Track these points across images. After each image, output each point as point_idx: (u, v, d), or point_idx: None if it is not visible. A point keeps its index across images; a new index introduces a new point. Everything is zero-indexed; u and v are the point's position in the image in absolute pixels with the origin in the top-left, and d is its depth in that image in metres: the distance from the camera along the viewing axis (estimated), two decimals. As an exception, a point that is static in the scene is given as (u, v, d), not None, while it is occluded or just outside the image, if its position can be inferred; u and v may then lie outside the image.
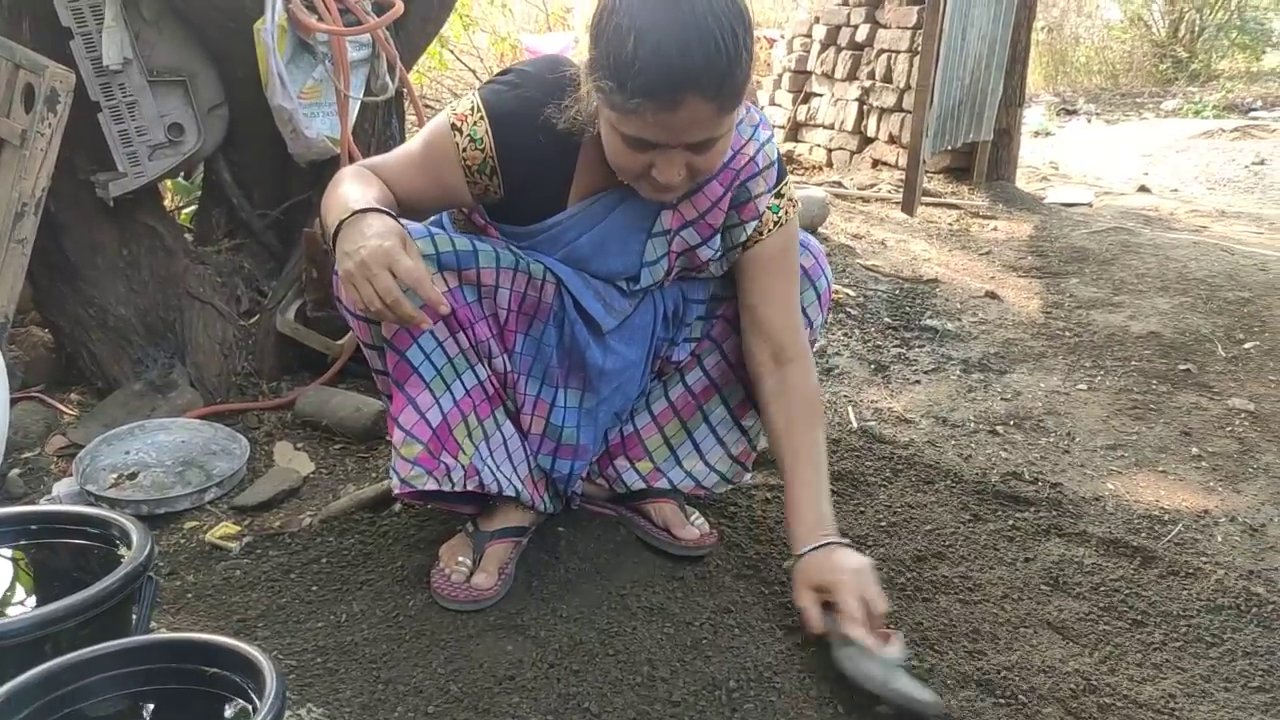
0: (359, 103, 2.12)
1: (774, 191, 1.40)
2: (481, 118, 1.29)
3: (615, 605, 1.42)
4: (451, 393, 1.37)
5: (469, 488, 1.39)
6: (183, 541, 1.62)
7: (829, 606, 1.29)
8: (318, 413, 1.96)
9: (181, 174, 2.56)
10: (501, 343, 1.41)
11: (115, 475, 1.78)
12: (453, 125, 1.30)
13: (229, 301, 2.17)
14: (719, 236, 1.40)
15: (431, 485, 1.36)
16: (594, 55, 1.17)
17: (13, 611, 1.17)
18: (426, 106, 5.79)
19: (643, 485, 1.59)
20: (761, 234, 1.40)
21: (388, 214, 1.21)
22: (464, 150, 1.30)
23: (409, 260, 1.15)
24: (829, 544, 1.33)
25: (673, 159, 1.19)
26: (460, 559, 1.45)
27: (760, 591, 1.49)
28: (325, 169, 2.16)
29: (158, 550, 1.57)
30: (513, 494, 1.44)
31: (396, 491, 1.40)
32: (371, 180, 1.31)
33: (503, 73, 1.37)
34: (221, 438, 1.88)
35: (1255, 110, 9.10)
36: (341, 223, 1.19)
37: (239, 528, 1.63)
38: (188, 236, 2.35)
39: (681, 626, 1.38)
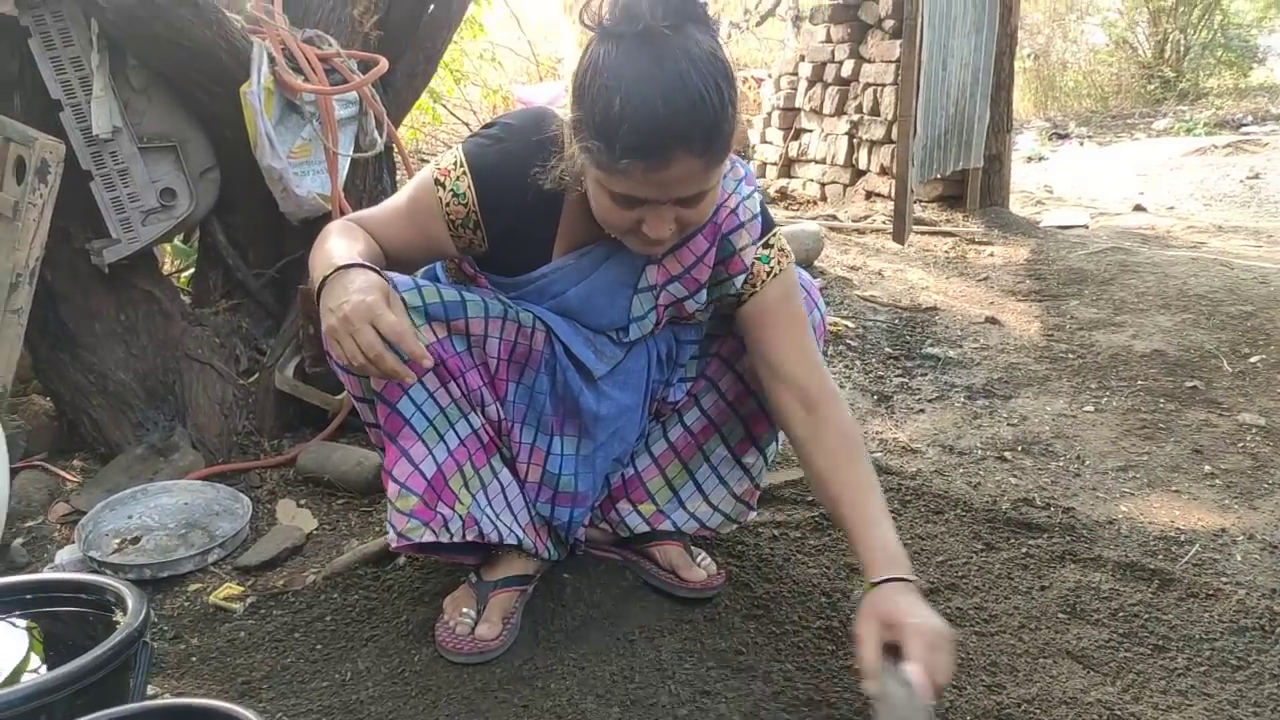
0: (349, 160, 2.14)
1: (761, 243, 1.37)
2: (464, 173, 1.29)
3: (624, 652, 1.39)
4: (445, 443, 1.36)
5: (468, 538, 1.38)
6: (187, 604, 1.60)
7: (889, 651, 1.15)
8: (319, 468, 1.95)
9: (178, 238, 2.58)
10: (493, 391, 1.40)
11: (118, 540, 1.76)
12: (436, 180, 1.30)
13: (228, 361, 2.17)
14: (705, 291, 1.38)
15: (429, 537, 1.35)
16: (579, 115, 1.16)
17: (8, 683, 1.15)
18: (421, 160, 5.85)
19: (646, 528, 1.56)
20: (756, 287, 1.37)
21: (371, 269, 1.20)
22: (447, 205, 1.30)
23: (391, 315, 1.14)
24: (910, 583, 1.19)
25: (663, 214, 1.19)
26: (464, 610, 1.42)
27: (771, 632, 1.46)
28: (318, 226, 2.15)
29: (161, 614, 1.55)
30: (514, 542, 1.43)
31: (394, 546, 1.39)
32: (357, 234, 1.31)
33: (488, 125, 1.37)
34: (224, 498, 1.87)
35: (1246, 125, 9.16)
36: (325, 279, 1.19)
37: (242, 588, 1.61)
38: (185, 299, 2.36)
39: (692, 672, 1.35)
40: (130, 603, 1.10)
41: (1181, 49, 11.86)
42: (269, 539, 1.74)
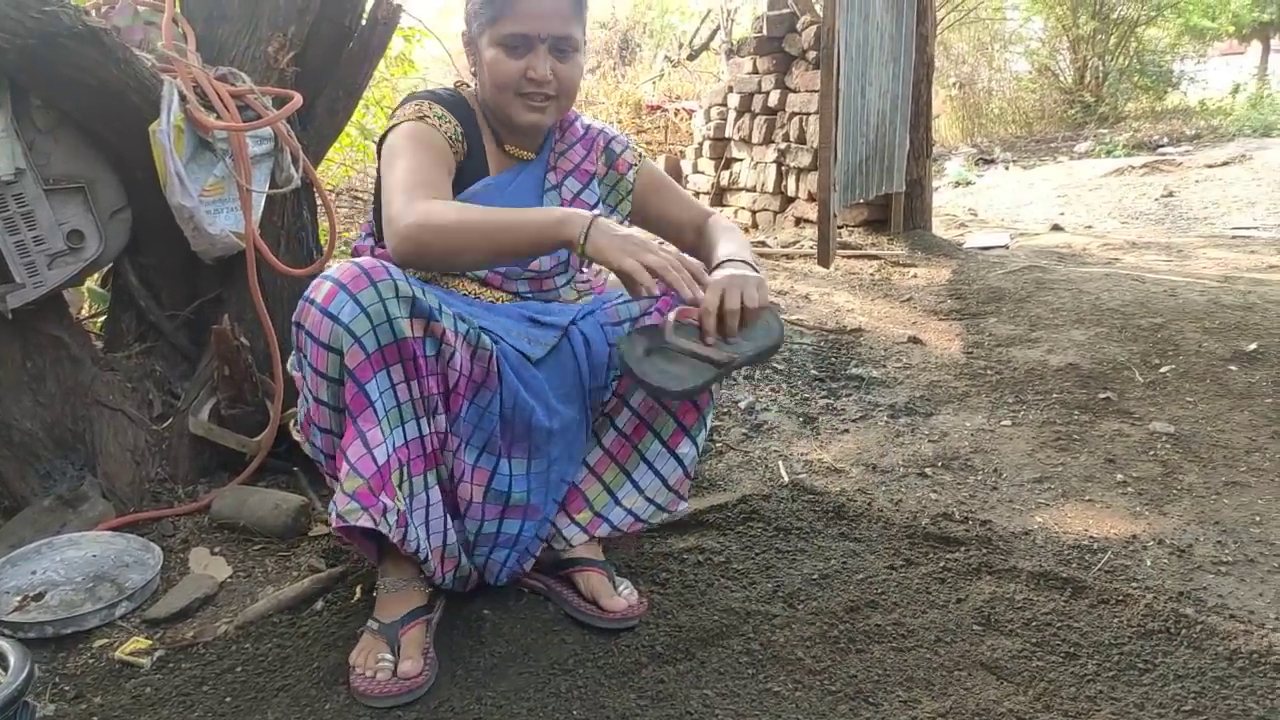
0: (264, 196, 2.11)
1: (628, 147, 1.75)
2: (430, 104, 1.54)
3: (543, 688, 1.38)
4: (394, 437, 1.36)
5: (394, 538, 1.36)
6: (91, 661, 1.54)
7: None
8: (235, 514, 1.90)
9: (91, 280, 2.52)
10: (446, 404, 1.41)
11: (20, 598, 1.69)
12: (419, 119, 1.51)
13: (140, 407, 2.12)
14: (598, 185, 1.70)
15: (365, 522, 1.32)
16: (473, 8, 1.52)
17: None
18: (355, 197, 5.80)
19: (584, 536, 1.61)
20: (639, 172, 1.74)
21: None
22: (441, 127, 1.52)
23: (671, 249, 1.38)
24: (739, 262, 1.49)
25: (541, 55, 1.50)
26: (380, 656, 1.40)
27: (694, 658, 1.46)
28: (234, 265, 2.14)
29: (63, 673, 1.49)
30: (423, 559, 1.42)
31: (331, 526, 1.37)
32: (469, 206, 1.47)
33: (404, 102, 1.60)
34: (134, 548, 1.81)
35: (1163, 146, 9.52)
36: (592, 223, 1.33)
37: (150, 642, 1.56)
38: (97, 343, 2.30)
39: (614, 706, 1.34)
40: (12, 661, 1.06)
41: (1101, 75, 12.32)
42: (180, 589, 1.69)
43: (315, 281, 1.34)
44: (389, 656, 1.40)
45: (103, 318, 2.67)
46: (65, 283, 2.02)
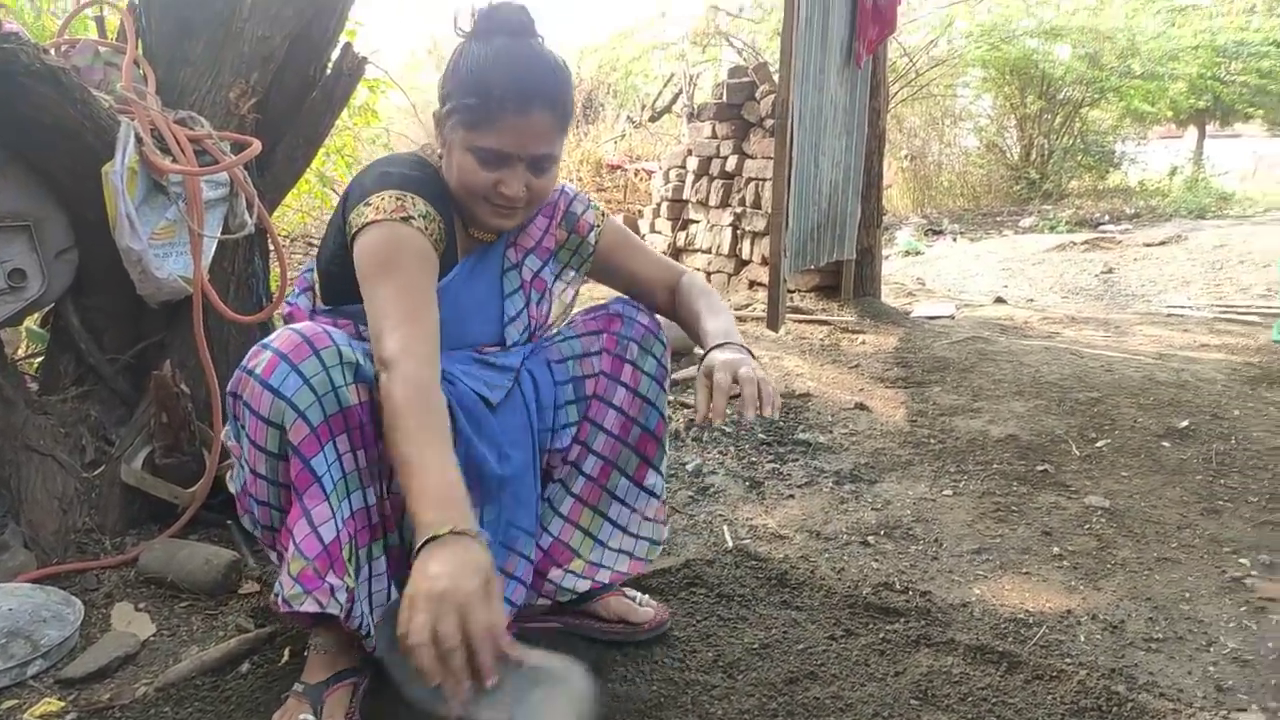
0: (215, 241, 2.09)
1: (590, 207, 1.67)
2: (409, 197, 1.39)
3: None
4: (341, 510, 1.33)
5: (342, 617, 1.31)
6: (-1, 722, 1.47)
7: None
8: (163, 568, 1.84)
9: (31, 320, 2.46)
10: None
11: (-72, 651, 1.62)
12: (402, 219, 1.37)
13: (72, 453, 2.06)
14: (554, 259, 1.63)
15: (310, 607, 1.28)
16: (450, 90, 1.39)
17: None
18: (309, 244, 5.76)
19: (586, 584, 1.63)
20: (600, 233, 1.66)
21: (481, 541, 1.12)
22: (426, 230, 1.39)
23: (484, 615, 1.04)
24: (733, 345, 1.45)
25: (518, 173, 1.39)
26: (301, 718, 1.35)
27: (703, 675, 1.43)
28: (179, 310, 2.11)
29: (-33, 734, 1.43)
30: (365, 634, 1.38)
31: (274, 607, 1.33)
32: (437, 420, 1.24)
33: (363, 173, 1.47)
34: (54, 602, 1.75)
35: (1103, 224, 9.87)
36: (435, 537, 1.09)
37: (63, 703, 1.50)
38: (32, 385, 2.24)
39: None
40: (-88, 722, 1.00)
41: (1046, 153, 12.78)
42: (99, 647, 1.63)
43: (253, 350, 1.31)
44: (311, 718, 1.36)
45: (40, 359, 2.60)
46: (3, 322, 1.98)
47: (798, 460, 2.63)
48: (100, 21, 2.44)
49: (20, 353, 2.77)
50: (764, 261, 4.73)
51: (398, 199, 1.37)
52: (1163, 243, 7.45)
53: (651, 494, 1.67)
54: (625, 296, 1.69)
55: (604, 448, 1.62)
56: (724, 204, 5.28)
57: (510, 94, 1.34)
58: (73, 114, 1.85)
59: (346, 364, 1.30)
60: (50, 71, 1.80)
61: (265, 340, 1.32)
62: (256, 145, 2.08)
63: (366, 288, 1.33)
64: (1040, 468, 2.58)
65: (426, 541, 1.09)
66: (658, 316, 1.69)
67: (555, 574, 1.62)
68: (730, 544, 2.11)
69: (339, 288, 1.46)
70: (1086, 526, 2.25)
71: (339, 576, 1.31)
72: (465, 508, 1.15)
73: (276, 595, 1.32)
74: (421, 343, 1.28)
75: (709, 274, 5.40)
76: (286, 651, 1.60)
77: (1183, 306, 5.20)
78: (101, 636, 1.66)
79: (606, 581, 1.65)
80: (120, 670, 1.59)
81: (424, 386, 1.25)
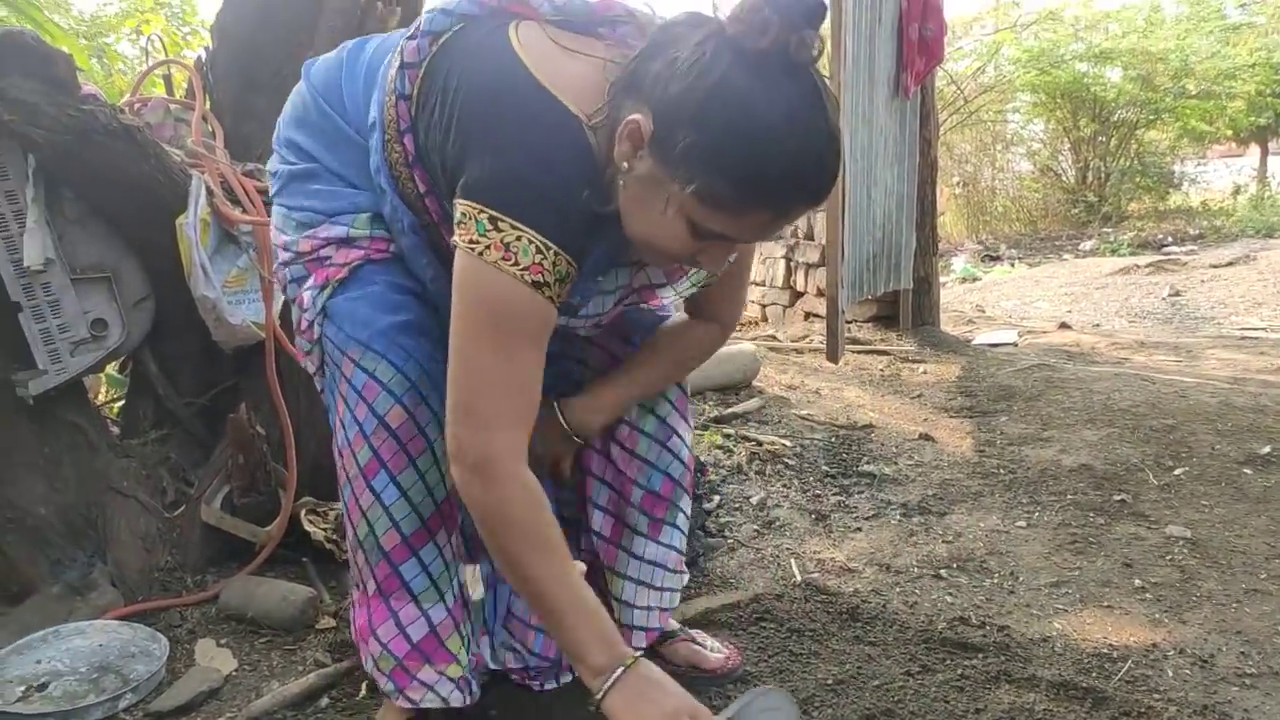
0: (286, 288, 2.15)
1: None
2: (555, 257, 1.08)
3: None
4: (444, 601, 1.34)
5: (453, 704, 1.35)
6: (91, 757, 1.51)
7: None
8: (243, 604, 1.88)
9: (113, 366, 2.55)
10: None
11: (24, 687, 1.67)
12: (534, 285, 1.07)
13: (153, 494, 2.12)
14: (685, 280, 1.37)
15: (404, 704, 1.34)
16: (694, 141, 1.00)
17: None
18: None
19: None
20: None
21: (642, 658, 1.15)
22: (557, 292, 1.10)
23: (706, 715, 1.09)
24: (635, 665, 1.14)
25: (726, 250, 1.14)
26: None
27: None
28: (252, 354, 2.17)
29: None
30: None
31: (396, 702, 1.37)
32: (567, 552, 1.15)
33: (507, 141, 1.09)
34: (141, 638, 1.79)
35: (1167, 246, 9.66)
36: (619, 676, 1.10)
37: (152, 737, 1.53)
38: (114, 430, 2.32)
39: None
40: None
41: (1103, 175, 12.59)
42: (185, 682, 1.67)
43: (355, 436, 1.28)
44: None
45: (120, 403, 2.69)
46: (86, 370, 2.05)
47: (863, 492, 2.60)
48: (168, 79, 2.55)
49: (100, 398, 2.87)
50: (819, 292, 4.71)
51: (539, 253, 1.06)
52: (1231, 263, 7.26)
53: (671, 548, 1.62)
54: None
55: (609, 501, 1.58)
56: (776, 236, 5.28)
57: (782, 200, 1.04)
58: (147, 170, 1.93)
59: (441, 458, 1.27)
60: (126, 130, 1.89)
61: (360, 422, 1.27)
62: (326, 192, 2.14)
63: (468, 335, 1.10)
64: (1117, 498, 2.51)
65: (611, 683, 1.09)
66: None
67: None
68: (799, 578, 2.09)
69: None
70: (1168, 557, 2.18)
71: (441, 665, 1.34)
72: (616, 632, 1.14)
73: (385, 684, 1.36)
74: (525, 438, 1.12)
75: (764, 306, 5.40)
76: (364, 685, 1.62)
77: (1256, 328, 5.05)
78: (186, 671, 1.70)
79: (643, 645, 1.61)
80: (205, 704, 1.62)
81: (538, 497, 1.13)
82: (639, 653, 1.17)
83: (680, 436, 1.57)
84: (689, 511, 1.66)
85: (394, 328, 1.27)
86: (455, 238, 1.09)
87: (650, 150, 1.04)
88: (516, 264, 1.06)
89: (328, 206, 1.30)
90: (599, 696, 1.10)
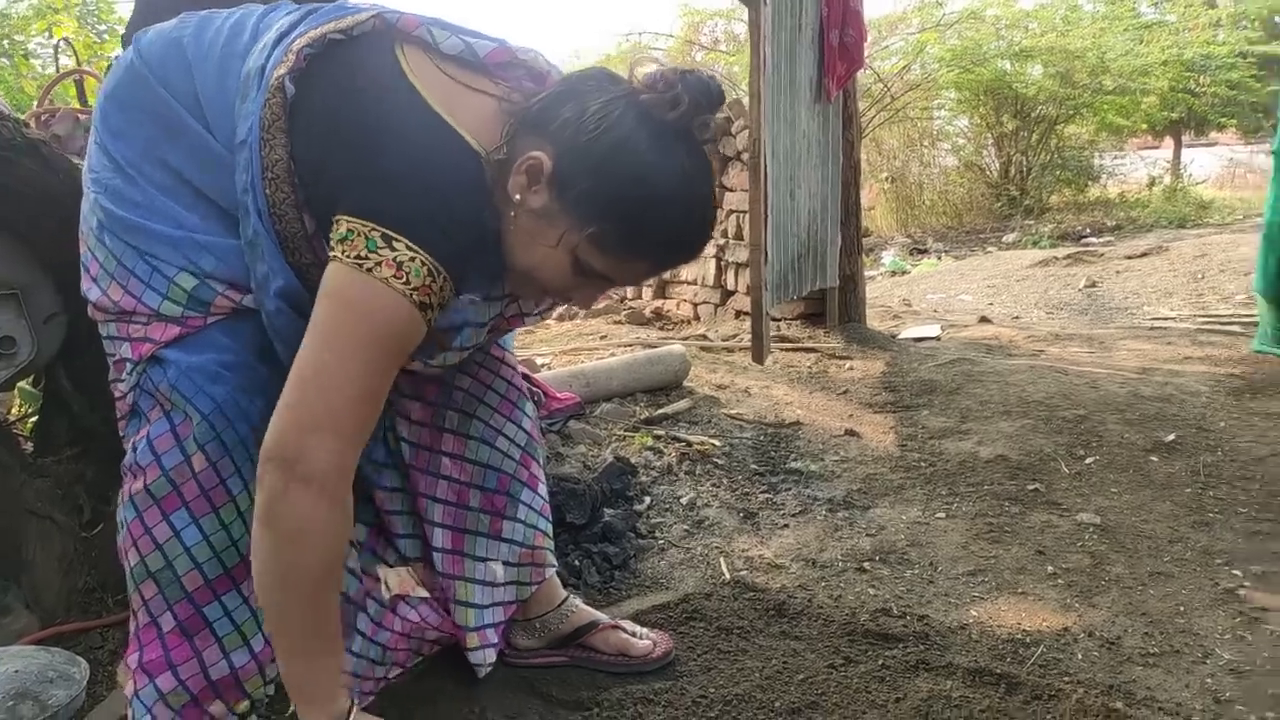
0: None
1: None
2: (442, 282, 1.10)
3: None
4: (250, 646, 1.32)
5: None
6: (6, 787, 1.48)
7: None
8: (165, 624, 1.85)
9: (25, 379, 2.47)
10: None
11: (-67, 719, 1.62)
12: (420, 305, 1.08)
13: (70, 513, 2.07)
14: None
15: None
16: (590, 189, 1.08)
17: None
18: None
19: (494, 654, 1.65)
20: None
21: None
22: (431, 320, 1.13)
23: None
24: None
25: (603, 289, 1.23)
26: None
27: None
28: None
29: (-25, 801, 1.43)
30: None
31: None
32: (332, 599, 1.18)
33: (398, 167, 1.10)
34: (60, 663, 1.74)
35: (1086, 237, 9.99)
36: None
37: (71, 764, 1.50)
38: (27, 447, 2.25)
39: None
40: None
41: (1025, 169, 12.96)
42: (107, 705, 1.64)
43: (150, 465, 1.23)
44: None
45: (34, 418, 2.61)
46: (-5, 388, 2.00)
47: (790, 489, 2.65)
48: (80, 84, 2.49)
49: (14, 413, 2.78)
50: (749, 291, 4.77)
51: (430, 275, 1.08)
52: (1144, 254, 7.54)
53: (513, 542, 1.65)
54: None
55: (443, 517, 1.58)
56: None
57: (667, 256, 1.18)
58: (56, 184, 1.89)
59: (246, 512, 1.22)
60: (32, 144, 1.84)
61: (162, 462, 1.23)
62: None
63: (334, 346, 1.08)
64: (1031, 487, 2.61)
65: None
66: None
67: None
68: (728, 576, 2.13)
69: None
70: (1079, 544, 2.27)
71: (232, 700, 1.33)
72: (342, 679, 1.23)
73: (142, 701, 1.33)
74: (356, 459, 1.11)
75: (695, 305, 5.45)
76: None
77: (1166, 318, 5.26)
78: (109, 694, 1.68)
79: (495, 641, 1.64)
80: (126, 730, 1.59)
81: (349, 529, 1.14)
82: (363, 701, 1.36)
83: (507, 435, 1.62)
84: (533, 502, 1.68)
85: (210, 367, 1.22)
86: (335, 253, 1.09)
87: (547, 187, 1.11)
88: (407, 283, 1.07)
89: (149, 247, 1.22)
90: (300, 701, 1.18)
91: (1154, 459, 2.75)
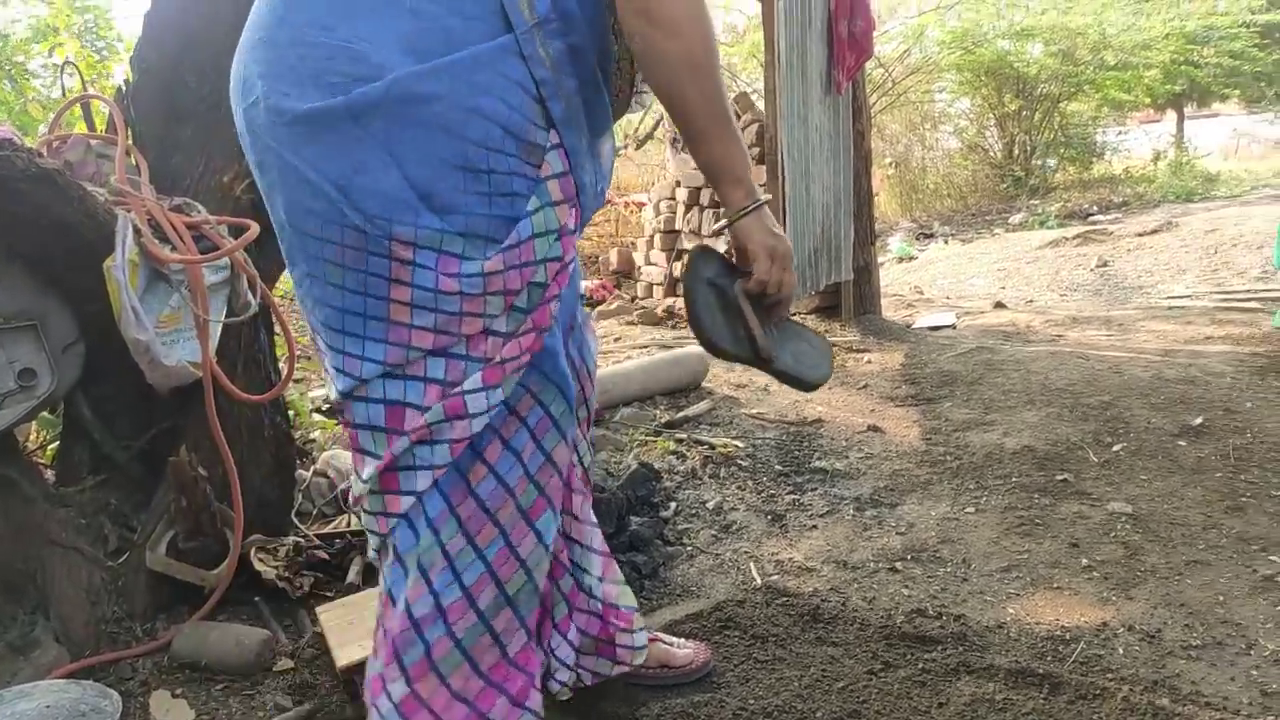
0: (220, 325, 2.10)
1: None
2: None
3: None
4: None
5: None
6: (46, 826, 1.46)
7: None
8: (195, 652, 1.84)
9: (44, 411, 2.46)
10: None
11: (-32, 759, 1.62)
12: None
13: (95, 543, 2.05)
14: None
15: None
16: None
17: None
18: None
19: (644, 636, 1.66)
20: None
21: None
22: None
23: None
24: (757, 208, 1.33)
25: None
26: None
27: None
28: (190, 393, 2.11)
29: (15, 843, 1.42)
30: None
31: None
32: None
33: None
34: (91, 695, 1.74)
35: (1093, 215, 9.90)
36: (758, 206, 1.31)
37: (109, 801, 1.49)
38: (48, 474, 2.24)
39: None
40: None
41: (1029, 149, 12.87)
42: (140, 739, 1.63)
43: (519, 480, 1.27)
44: None
45: (54, 445, 2.60)
46: (16, 421, 1.98)
47: (816, 489, 2.63)
48: (87, 108, 2.47)
49: (33, 440, 2.77)
50: (762, 286, 4.75)
51: None
52: (1155, 230, 7.48)
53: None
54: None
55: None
56: (717, 233, 5.30)
57: None
58: (70, 212, 1.87)
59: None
60: (45, 174, 1.82)
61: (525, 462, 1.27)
62: (255, 228, 2.08)
63: None
64: (1060, 477, 2.58)
65: (748, 211, 1.29)
66: None
67: (623, 638, 1.62)
68: (759, 581, 2.11)
69: None
70: (1112, 534, 2.24)
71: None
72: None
73: None
74: None
75: (708, 301, 5.42)
76: (327, 732, 1.60)
77: (1183, 296, 5.21)
78: (141, 730, 1.66)
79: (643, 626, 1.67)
80: (163, 764, 1.58)
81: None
82: None
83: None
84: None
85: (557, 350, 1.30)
86: None
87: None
88: None
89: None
90: (737, 215, 1.30)
91: (1182, 444, 2.72)
